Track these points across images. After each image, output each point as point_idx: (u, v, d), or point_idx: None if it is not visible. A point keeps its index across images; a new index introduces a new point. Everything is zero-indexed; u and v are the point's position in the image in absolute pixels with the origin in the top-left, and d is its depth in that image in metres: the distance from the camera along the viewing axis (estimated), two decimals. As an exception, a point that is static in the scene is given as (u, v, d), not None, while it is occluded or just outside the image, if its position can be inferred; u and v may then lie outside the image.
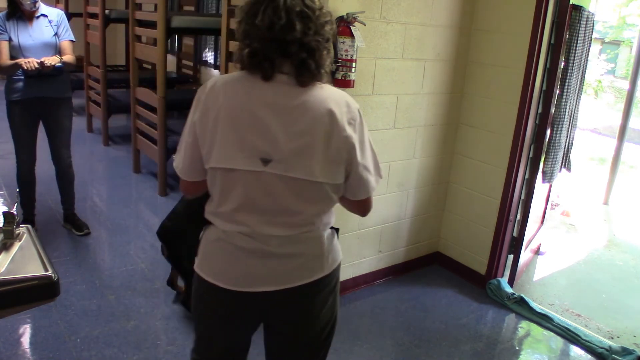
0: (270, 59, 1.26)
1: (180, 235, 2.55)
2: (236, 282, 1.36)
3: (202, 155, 1.32)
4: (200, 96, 1.32)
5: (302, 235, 1.36)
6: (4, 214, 1.76)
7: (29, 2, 3.05)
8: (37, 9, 3.14)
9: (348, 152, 1.30)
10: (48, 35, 3.18)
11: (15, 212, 1.78)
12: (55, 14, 3.24)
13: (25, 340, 2.50)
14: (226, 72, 3.32)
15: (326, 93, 1.31)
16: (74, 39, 3.32)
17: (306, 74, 1.28)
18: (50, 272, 1.63)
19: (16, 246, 1.75)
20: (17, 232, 1.79)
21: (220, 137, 1.27)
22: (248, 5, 1.27)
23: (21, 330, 2.55)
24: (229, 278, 1.37)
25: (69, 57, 3.22)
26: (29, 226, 1.89)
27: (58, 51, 3.22)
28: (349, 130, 1.29)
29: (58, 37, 3.22)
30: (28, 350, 2.43)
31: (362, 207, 1.46)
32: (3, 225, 1.76)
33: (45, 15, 3.19)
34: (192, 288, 1.49)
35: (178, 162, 1.39)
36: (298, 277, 1.38)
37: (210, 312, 1.46)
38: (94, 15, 5.52)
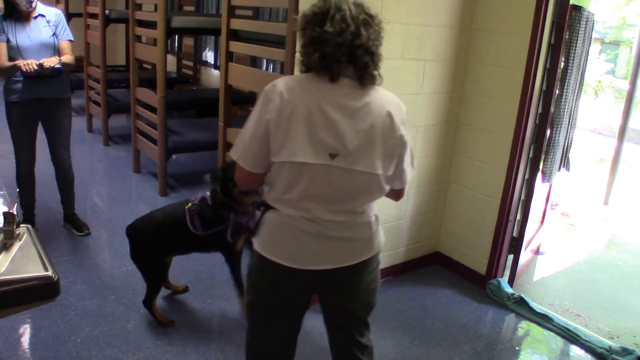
0: (339, 62, 1.42)
1: (147, 238, 2.58)
2: (298, 261, 1.55)
3: (271, 149, 1.46)
4: (270, 95, 1.45)
5: (356, 221, 1.56)
6: (4, 214, 1.76)
7: (24, 2, 3.04)
8: (34, 9, 3.13)
9: (400, 148, 1.52)
10: (46, 35, 3.17)
11: (15, 212, 1.78)
12: (53, 13, 3.23)
13: (25, 340, 2.50)
14: (226, 72, 3.32)
15: (383, 96, 1.51)
16: (72, 39, 3.31)
17: (367, 76, 1.46)
18: (50, 272, 1.63)
19: (16, 246, 1.75)
20: (17, 232, 1.79)
21: (293, 133, 1.42)
22: (312, 15, 1.44)
23: (21, 330, 2.55)
24: (292, 257, 1.54)
25: (68, 58, 3.21)
26: (29, 226, 1.89)
27: (57, 51, 3.21)
28: (402, 130, 1.51)
29: (56, 37, 3.21)
30: (28, 350, 2.43)
31: (400, 194, 1.69)
32: (3, 225, 1.76)
33: (43, 15, 3.18)
34: (251, 265, 1.64)
35: (240, 154, 1.51)
36: (351, 258, 1.58)
37: (272, 287, 1.62)
38: (94, 15, 5.52)
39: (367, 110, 1.45)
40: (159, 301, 2.74)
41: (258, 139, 1.47)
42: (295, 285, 1.61)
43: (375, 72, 1.48)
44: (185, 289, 2.99)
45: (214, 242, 2.55)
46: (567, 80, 3.02)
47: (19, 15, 3.10)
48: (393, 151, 1.51)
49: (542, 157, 3.15)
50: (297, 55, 1.55)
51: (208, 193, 2.51)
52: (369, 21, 1.44)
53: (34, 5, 3.10)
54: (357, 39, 1.41)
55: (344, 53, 1.41)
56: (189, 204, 2.52)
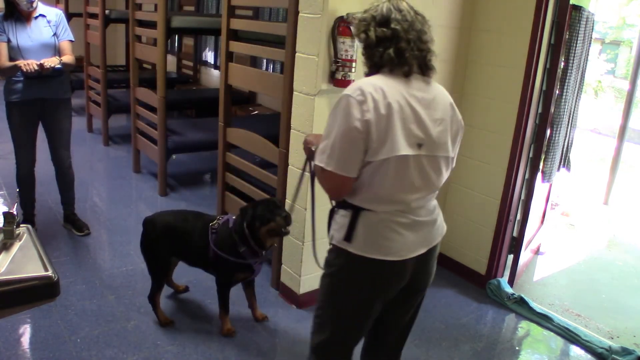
0: (413, 56, 1.55)
1: (158, 233, 2.61)
2: (401, 252, 1.62)
3: (368, 149, 1.51)
4: (359, 98, 1.49)
5: (434, 204, 1.72)
6: (4, 214, 1.76)
7: (25, 2, 3.04)
8: (35, 9, 3.13)
9: (461, 132, 1.71)
10: (47, 35, 3.17)
11: (15, 212, 1.78)
12: (54, 13, 3.23)
13: (25, 340, 2.50)
14: (226, 72, 3.32)
15: (439, 87, 1.66)
16: (73, 39, 3.31)
17: (431, 70, 1.61)
18: (50, 272, 1.63)
19: (16, 246, 1.75)
20: (17, 232, 1.79)
21: (392, 130, 1.50)
22: (371, 18, 1.57)
23: (21, 330, 2.55)
24: (395, 251, 1.61)
25: (68, 58, 3.21)
26: (29, 226, 1.88)
27: (57, 51, 3.21)
28: (459, 116, 1.69)
29: (57, 38, 3.21)
30: (28, 350, 2.43)
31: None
32: (3, 225, 1.76)
33: (43, 16, 3.18)
34: (344, 268, 1.65)
35: (337, 162, 1.52)
36: (435, 239, 1.72)
37: (372, 284, 1.66)
38: (94, 15, 5.52)
39: (437, 100, 1.60)
40: (161, 303, 2.74)
41: (354, 142, 1.50)
42: (396, 277, 1.67)
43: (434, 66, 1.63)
44: (186, 289, 2.99)
45: (213, 265, 2.59)
46: (567, 80, 3.02)
47: (20, 15, 3.10)
48: (457, 135, 1.68)
49: (542, 157, 3.15)
50: (362, 57, 1.64)
51: (233, 217, 2.56)
52: (425, 20, 1.61)
53: (34, 5, 3.10)
54: (423, 35, 1.57)
55: (415, 48, 1.55)
56: (214, 222, 2.56)
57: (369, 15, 1.58)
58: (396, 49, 1.53)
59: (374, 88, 1.50)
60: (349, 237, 1.61)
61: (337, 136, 1.51)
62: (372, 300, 1.68)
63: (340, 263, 1.66)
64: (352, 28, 1.65)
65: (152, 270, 2.68)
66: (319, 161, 1.56)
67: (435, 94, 1.61)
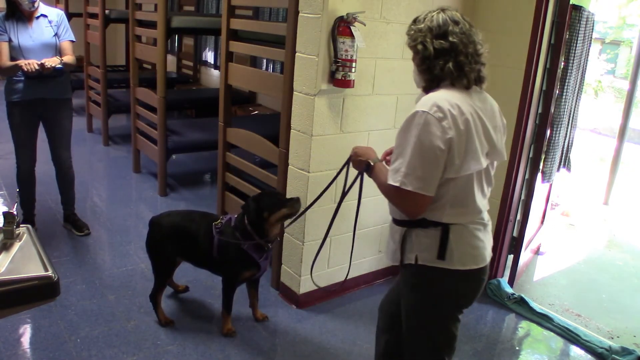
0: (472, 70, 1.57)
1: (163, 233, 2.62)
2: (485, 258, 1.69)
3: (451, 165, 1.53)
4: (437, 115, 1.49)
5: None
6: (4, 214, 1.76)
7: (27, 2, 3.04)
8: (36, 9, 3.13)
9: (505, 136, 1.73)
10: (48, 35, 3.17)
11: (15, 212, 1.78)
12: (55, 14, 3.23)
13: (25, 340, 2.50)
14: (226, 72, 3.32)
15: (488, 95, 1.70)
16: (74, 39, 3.31)
17: (483, 81, 1.63)
18: (50, 272, 1.63)
19: (16, 246, 1.75)
20: (17, 232, 1.78)
21: (471, 144, 1.54)
22: (427, 29, 1.57)
23: (21, 330, 2.55)
24: (482, 258, 1.68)
25: (69, 58, 3.21)
26: (29, 226, 1.88)
27: (58, 52, 3.21)
28: (504, 120, 1.74)
29: (58, 38, 3.21)
30: (28, 350, 2.43)
31: None
32: (3, 225, 1.76)
33: (45, 16, 3.18)
34: (436, 289, 1.69)
35: (423, 184, 1.52)
36: None
37: (465, 292, 1.72)
38: (94, 15, 5.52)
39: (493, 109, 1.67)
40: (163, 301, 2.74)
41: (436, 161, 1.51)
42: (483, 279, 1.73)
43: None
44: (186, 289, 2.99)
45: (219, 265, 2.60)
46: (567, 80, 3.02)
47: (21, 15, 3.11)
48: (503, 139, 1.71)
49: (542, 157, 3.14)
50: (418, 68, 1.64)
51: (235, 216, 2.56)
52: (476, 31, 1.61)
53: (36, 5, 3.11)
54: (479, 47, 1.59)
55: (473, 61, 1.57)
56: (217, 221, 2.57)
57: (424, 26, 1.57)
58: (455, 62, 1.55)
59: (450, 104, 1.51)
60: (442, 255, 1.62)
61: (414, 154, 1.50)
62: (466, 307, 1.77)
63: (432, 281, 1.68)
64: (407, 38, 1.63)
65: (156, 270, 2.68)
66: (393, 181, 1.54)
67: (490, 103, 1.67)
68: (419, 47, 1.58)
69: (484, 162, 1.59)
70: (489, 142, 1.60)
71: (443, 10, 1.60)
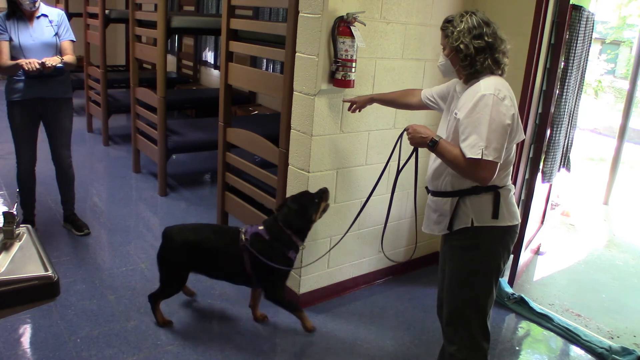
0: (506, 64, 1.90)
1: (175, 248, 2.55)
2: (519, 215, 2.02)
3: (512, 137, 1.84)
4: (500, 95, 1.79)
5: None
6: (4, 214, 1.76)
7: (28, 2, 3.04)
8: (37, 8, 3.14)
9: None
10: (49, 35, 3.17)
11: (15, 212, 1.78)
12: (56, 14, 3.24)
13: (25, 340, 2.50)
14: (226, 72, 3.32)
15: None
16: (74, 39, 3.32)
17: (505, 72, 1.92)
18: (50, 272, 1.63)
19: (16, 246, 1.75)
20: (17, 232, 1.78)
21: (519, 120, 1.87)
22: (467, 30, 1.83)
23: (21, 330, 2.55)
24: (518, 213, 2.00)
25: (69, 58, 3.22)
26: (29, 226, 1.88)
27: (59, 51, 3.22)
28: None
29: (59, 37, 3.22)
30: (28, 350, 2.43)
31: None
32: (3, 225, 1.76)
33: (45, 15, 3.18)
34: (486, 246, 1.95)
35: (492, 152, 1.76)
36: None
37: (509, 252, 2.00)
38: (94, 15, 5.52)
39: None
40: (163, 301, 2.74)
41: (506, 134, 1.79)
42: (517, 233, 2.02)
43: None
44: (194, 294, 2.95)
45: (257, 279, 2.55)
46: (567, 80, 3.02)
47: (22, 14, 3.11)
48: None
49: (542, 157, 3.14)
50: (461, 63, 1.88)
51: (260, 227, 2.53)
52: (501, 31, 1.89)
53: (37, 5, 3.11)
54: (507, 45, 1.89)
55: (504, 57, 1.88)
56: (240, 234, 2.52)
57: (464, 27, 1.84)
58: (493, 58, 1.85)
59: (505, 87, 1.83)
60: (495, 214, 1.90)
61: (490, 130, 1.76)
62: (506, 262, 2.03)
63: (487, 238, 1.94)
64: (447, 38, 1.90)
65: (165, 282, 2.63)
66: (473, 154, 1.77)
67: None
68: (461, 46, 1.84)
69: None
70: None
71: (473, 12, 1.87)
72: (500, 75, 1.89)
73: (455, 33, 1.86)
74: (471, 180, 1.87)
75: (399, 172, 2.27)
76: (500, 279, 3.20)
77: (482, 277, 1.98)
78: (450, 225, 1.96)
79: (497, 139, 1.77)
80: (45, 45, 3.16)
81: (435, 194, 2.02)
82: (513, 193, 1.97)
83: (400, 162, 2.24)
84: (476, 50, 1.83)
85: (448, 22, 1.91)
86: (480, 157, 1.76)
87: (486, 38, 1.83)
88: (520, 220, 2.00)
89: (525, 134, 2.96)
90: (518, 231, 2.00)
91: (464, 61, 1.86)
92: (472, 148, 1.77)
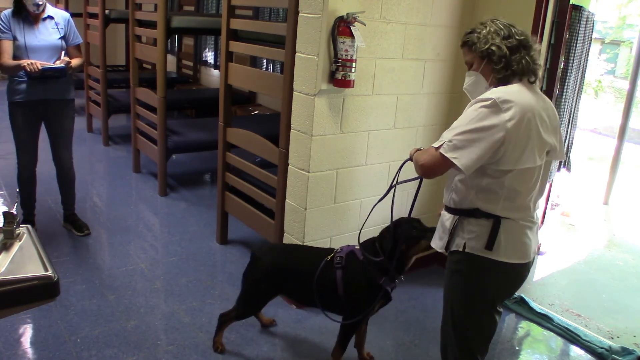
0: (539, 65, 1.72)
1: (263, 271, 2.41)
2: (529, 254, 1.77)
3: (508, 158, 1.62)
4: (502, 105, 1.60)
5: None
6: (4, 214, 1.76)
7: (32, 5, 3.05)
8: (43, 11, 3.14)
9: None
10: (54, 37, 3.18)
11: (15, 212, 1.78)
12: (62, 17, 3.24)
13: (25, 340, 2.50)
14: (226, 72, 3.32)
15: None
16: (81, 41, 3.38)
17: (538, 80, 1.75)
18: (50, 272, 1.63)
19: (16, 246, 1.75)
20: (17, 232, 1.78)
21: (531, 139, 1.62)
22: (495, 32, 1.71)
23: (21, 330, 2.55)
24: (526, 254, 1.76)
25: (78, 61, 3.27)
26: (29, 226, 1.88)
27: (64, 53, 3.23)
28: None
29: (65, 41, 3.23)
30: (28, 350, 2.43)
31: None
32: (3, 225, 1.76)
33: (51, 17, 3.19)
34: (479, 278, 1.78)
35: (455, 151, 1.63)
36: None
37: (506, 283, 1.84)
38: (94, 15, 5.53)
39: (552, 108, 1.75)
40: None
41: (489, 143, 1.60)
42: (524, 276, 1.84)
43: None
44: (273, 323, 2.76)
45: (347, 304, 2.32)
46: (567, 80, 3.02)
47: (28, 15, 3.11)
48: (562, 138, 1.79)
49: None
50: (496, 67, 1.73)
51: (357, 246, 2.34)
52: None
53: (41, 8, 3.11)
54: (538, 46, 1.75)
55: (538, 58, 1.73)
56: (333, 254, 2.33)
57: (491, 30, 1.71)
58: (530, 56, 1.70)
59: (518, 97, 1.62)
60: (490, 245, 1.71)
61: (469, 132, 1.63)
62: (501, 301, 1.88)
63: (475, 269, 1.78)
64: (475, 45, 1.74)
65: (245, 303, 2.47)
66: (436, 144, 1.71)
67: (549, 103, 1.75)
68: (493, 47, 1.69)
69: (539, 160, 1.66)
70: (554, 139, 1.70)
71: (492, 20, 1.75)
72: (533, 82, 1.72)
73: (482, 37, 1.72)
74: (416, 170, 1.79)
75: (398, 172, 2.17)
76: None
77: (468, 307, 1.83)
78: (447, 245, 1.84)
79: (474, 144, 1.61)
80: (50, 47, 3.17)
81: (445, 207, 1.90)
82: (527, 230, 1.74)
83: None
84: (510, 49, 1.68)
85: (469, 33, 1.77)
86: (437, 146, 1.68)
87: (517, 37, 1.70)
88: (529, 260, 1.77)
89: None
90: (521, 271, 1.79)
91: (499, 63, 1.70)
92: (439, 141, 1.71)
